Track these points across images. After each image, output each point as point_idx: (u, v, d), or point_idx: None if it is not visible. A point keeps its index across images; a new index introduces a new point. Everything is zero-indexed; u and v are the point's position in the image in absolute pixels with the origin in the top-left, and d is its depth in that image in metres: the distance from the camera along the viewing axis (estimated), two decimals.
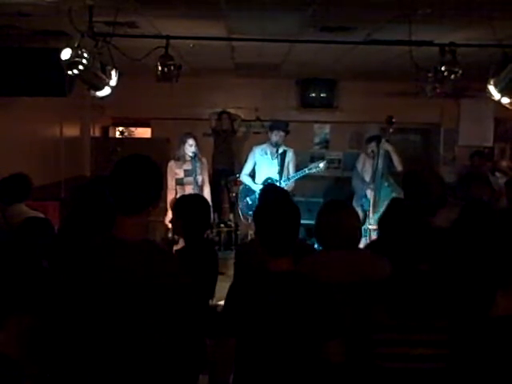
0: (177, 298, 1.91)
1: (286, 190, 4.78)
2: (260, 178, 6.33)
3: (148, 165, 2.04)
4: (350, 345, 2.33)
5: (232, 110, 9.35)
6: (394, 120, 6.47)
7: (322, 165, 6.53)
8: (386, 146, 6.51)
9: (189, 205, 3.46)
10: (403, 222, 2.57)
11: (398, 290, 2.28)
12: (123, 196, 1.99)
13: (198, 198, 3.92)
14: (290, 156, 6.37)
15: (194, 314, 1.99)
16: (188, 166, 6.13)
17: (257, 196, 6.16)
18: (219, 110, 8.92)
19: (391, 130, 6.54)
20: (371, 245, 3.70)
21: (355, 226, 2.95)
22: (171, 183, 6.07)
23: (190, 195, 4.32)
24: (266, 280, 2.40)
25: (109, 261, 1.93)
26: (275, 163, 6.21)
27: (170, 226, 5.18)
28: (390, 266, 2.54)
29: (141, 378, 1.92)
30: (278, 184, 6.03)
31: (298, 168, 6.64)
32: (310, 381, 2.33)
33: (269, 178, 6.37)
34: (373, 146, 6.79)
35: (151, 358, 1.90)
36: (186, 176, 6.13)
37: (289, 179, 6.36)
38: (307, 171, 6.46)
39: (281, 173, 6.21)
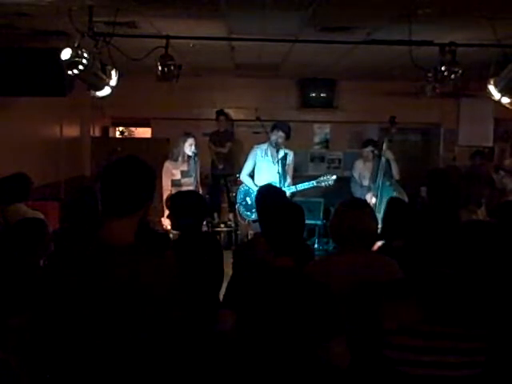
0: (167, 302, 1.88)
1: (283, 191, 4.75)
2: (260, 181, 6.22)
3: (138, 167, 1.98)
4: (363, 348, 2.29)
5: (232, 110, 9.36)
6: (396, 120, 6.49)
7: (332, 179, 6.23)
8: (387, 153, 6.53)
9: (180, 200, 3.53)
10: (431, 224, 2.38)
11: (431, 293, 2.11)
12: (110, 199, 1.95)
13: (189, 192, 3.94)
14: (290, 159, 6.29)
15: (189, 316, 1.96)
16: (184, 167, 6.09)
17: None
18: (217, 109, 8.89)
19: (394, 130, 6.56)
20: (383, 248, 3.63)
21: (372, 226, 2.86)
22: (167, 183, 6.04)
23: (181, 192, 4.35)
24: (268, 273, 2.44)
25: (94, 266, 1.88)
26: (276, 167, 6.11)
27: (167, 224, 5.18)
28: (398, 270, 2.52)
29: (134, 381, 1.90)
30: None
31: (296, 168, 6.59)
32: (308, 379, 2.34)
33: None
34: (369, 149, 6.82)
35: (145, 363, 1.87)
36: (183, 177, 6.09)
37: (296, 188, 6.25)
38: (316, 184, 6.28)
39: (281, 177, 6.10)
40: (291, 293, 2.35)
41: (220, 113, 8.71)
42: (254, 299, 2.37)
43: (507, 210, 3.29)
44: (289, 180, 6.24)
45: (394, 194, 6.03)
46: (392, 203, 3.96)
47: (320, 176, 6.35)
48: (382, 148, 6.58)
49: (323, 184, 6.28)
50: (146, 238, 2.32)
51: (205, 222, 6.64)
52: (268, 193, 3.98)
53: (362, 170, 7.00)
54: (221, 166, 8.60)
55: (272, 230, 2.50)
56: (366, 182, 6.82)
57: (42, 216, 4.29)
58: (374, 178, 6.57)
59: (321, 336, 2.31)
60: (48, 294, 1.92)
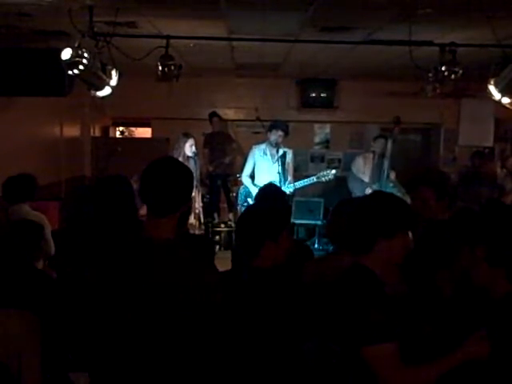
0: (201, 298, 1.91)
1: (283, 191, 4.74)
2: (260, 180, 6.22)
3: (179, 167, 2.07)
4: None
5: (232, 110, 9.34)
6: (401, 120, 6.51)
7: (332, 173, 6.23)
8: (387, 153, 6.54)
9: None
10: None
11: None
12: (155, 198, 1.99)
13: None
14: (289, 157, 6.29)
15: (217, 314, 1.97)
16: None
17: None
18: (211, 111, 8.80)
19: (396, 131, 6.57)
20: None
21: None
22: None
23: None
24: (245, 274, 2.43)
25: (139, 261, 1.95)
26: (276, 166, 6.10)
27: None
28: None
29: (162, 378, 1.91)
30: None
31: (296, 168, 6.59)
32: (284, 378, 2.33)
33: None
34: (382, 142, 6.78)
35: (174, 358, 1.90)
36: None
37: (295, 186, 6.24)
38: (316, 179, 6.27)
39: (282, 177, 6.09)
40: (263, 294, 2.33)
41: (213, 114, 8.62)
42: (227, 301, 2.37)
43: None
44: (289, 179, 6.24)
45: (398, 195, 6.03)
46: None
47: (320, 176, 6.35)
48: (386, 147, 6.60)
49: (323, 179, 6.27)
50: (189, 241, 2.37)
51: (203, 222, 6.66)
52: (267, 194, 3.97)
53: (362, 167, 7.00)
54: (211, 169, 8.55)
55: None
56: (366, 179, 6.81)
57: (43, 217, 4.30)
58: (376, 178, 6.57)
59: (296, 337, 2.30)
60: (89, 291, 2.00)
